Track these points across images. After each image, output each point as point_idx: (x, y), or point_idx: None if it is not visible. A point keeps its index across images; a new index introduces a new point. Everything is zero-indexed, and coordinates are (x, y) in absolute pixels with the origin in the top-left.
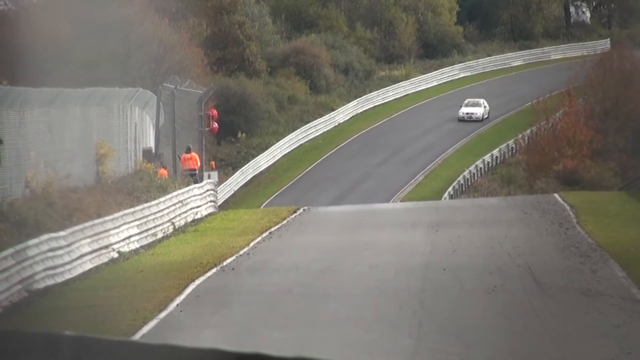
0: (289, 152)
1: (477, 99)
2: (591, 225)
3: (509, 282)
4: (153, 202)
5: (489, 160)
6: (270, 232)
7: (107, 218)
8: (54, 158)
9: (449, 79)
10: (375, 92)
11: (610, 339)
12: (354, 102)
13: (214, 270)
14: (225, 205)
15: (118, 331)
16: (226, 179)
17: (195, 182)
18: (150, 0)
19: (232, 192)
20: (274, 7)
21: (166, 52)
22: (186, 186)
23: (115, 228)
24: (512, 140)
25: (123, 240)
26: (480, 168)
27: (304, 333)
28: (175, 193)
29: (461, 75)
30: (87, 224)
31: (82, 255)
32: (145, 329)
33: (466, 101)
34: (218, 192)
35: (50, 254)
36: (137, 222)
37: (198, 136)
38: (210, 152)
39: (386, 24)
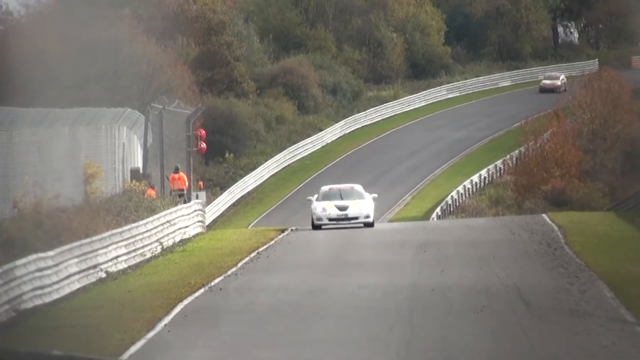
0: (276, 172)
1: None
2: (579, 246)
3: (497, 302)
4: (141, 222)
5: (477, 180)
6: (258, 252)
7: (95, 238)
8: (42, 178)
9: (437, 100)
10: (363, 112)
11: (599, 359)
12: (342, 123)
13: (202, 290)
14: (213, 225)
15: (106, 351)
16: (214, 199)
17: (184, 202)
18: (139, 20)
19: (220, 212)
20: (262, 28)
21: (154, 72)
22: (174, 206)
23: (103, 248)
24: (501, 160)
25: (111, 260)
26: (469, 188)
27: (293, 353)
28: (163, 213)
29: (449, 96)
30: (75, 244)
31: (70, 275)
32: (133, 349)
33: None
34: (206, 212)
35: (38, 274)
36: (125, 242)
37: (186, 156)
38: (198, 172)
39: (375, 44)
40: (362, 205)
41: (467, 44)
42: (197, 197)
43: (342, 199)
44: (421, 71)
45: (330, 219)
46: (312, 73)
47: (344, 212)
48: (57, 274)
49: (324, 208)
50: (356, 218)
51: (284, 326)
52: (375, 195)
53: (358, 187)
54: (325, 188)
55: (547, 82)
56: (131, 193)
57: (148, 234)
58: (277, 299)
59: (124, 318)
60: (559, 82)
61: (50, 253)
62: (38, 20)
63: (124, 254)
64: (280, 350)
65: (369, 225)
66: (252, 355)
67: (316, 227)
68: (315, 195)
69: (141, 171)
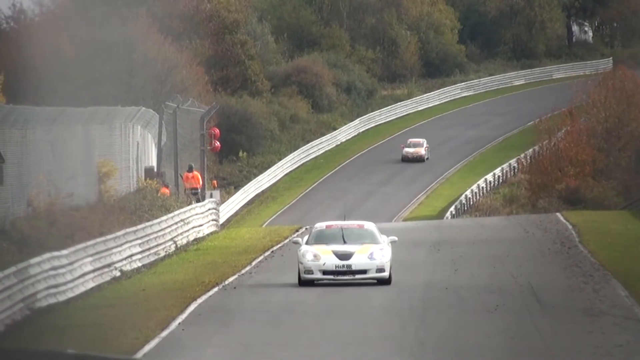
0: (290, 171)
1: (419, 139)
2: (594, 245)
3: (511, 301)
4: (155, 221)
5: (491, 179)
6: (272, 251)
7: (109, 236)
8: (56, 177)
9: (451, 98)
10: (378, 111)
11: (613, 358)
12: (356, 121)
13: (216, 289)
14: (227, 224)
15: (120, 350)
16: (228, 198)
17: (198, 200)
18: (154, 20)
19: (234, 211)
20: (276, 26)
21: (169, 71)
22: (188, 205)
23: (117, 247)
24: (515, 159)
25: (125, 258)
26: (483, 187)
27: (307, 352)
28: (177, 212)
29: (463, 95)
30: (89, 243)
31: (84, 274)
32: (147, 347)
33: (409, 141)
34: (220, 210)
35: (52, 272)
36: (139, 241)
37: (200, 155)
38: (212, 170)
39: (389, 43)
40: (375, 252)
41: (481, 42)
42: (211, 196)
43: (344, 242)
44: (435, 70)
45: (325, 272)
46: (326, 72)
47: (346, 263)
48: (71, 272)
49: (316, 255)
50: (364, 272)
51: (298, 325)
52: (395, 238)
53: (370, 226)
54: (320, 226)
55: (410, 150)
56: (145, 192)
57: (162, 232)
58: (291, 297)
59: (138, 317)
60: (422, 151)
61: (65, 252)
62: (52, 19)
63: (138, 253)
64: (294, 349)
65: (384, 282)
66: (266, 353)
67: (305, 282)
68: (306, 236)
69: (155, 170)
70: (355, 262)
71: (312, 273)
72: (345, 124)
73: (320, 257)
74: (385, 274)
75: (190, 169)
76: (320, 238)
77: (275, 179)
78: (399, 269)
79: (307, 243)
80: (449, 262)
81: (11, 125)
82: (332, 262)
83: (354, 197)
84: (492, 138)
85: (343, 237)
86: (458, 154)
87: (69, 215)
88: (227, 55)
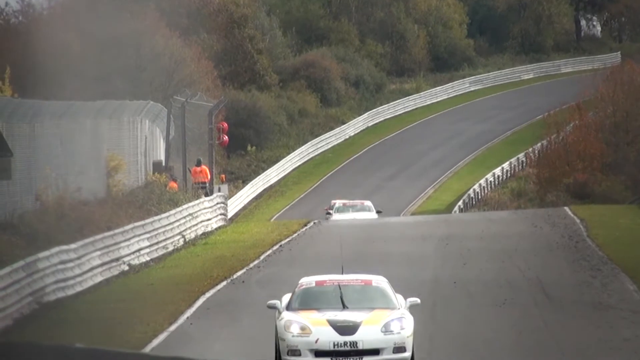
0: (299, 165)
1: (360, 202)
2: (602, 239)
3: (519, 295)
4: (163, 215)
5: (500, 173)
6: (280, 245)
7: (117, 231)
8: (65, 171)
9: (460, 93)
10: (386, 105)
11: (622, 352)
12: (365, 115)
13: (224, 283)
14: (236, 218)
15: (128, 344)
16: (236, 192)
17: (206, 194)
18: (162, 14)
19: (243, 205)
20: (284, 21)
21: (177, 65)
22: (196, 199)
23: (125, 241)
24: (523, 153)
25: (133, 253)
26: (491, 181)
27: None
28: (185, 206)
29: (472, 89)
30: (97, 237)
31: (92, 268)
32: (156, 341)
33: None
34: (228, 205)
35: (60, 266)
36: (148, 235)
37: (208, 149)
38: (221, 165)
39: (397, 37)
40: (391, 323)
41: (490, 36)
42: (219, 190)
43: (344, 306)
44: (444, 64)
45: (319, 354)
46: (335, 66)
47: (349, 339)
48: (79, 266)
49: (303, 328)
50: (376, 352)
51: None
52: (418, 300)
53: (380, 282)
54: (307, 282)
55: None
56: (153, 186)
57: (170, 226)
58: None
59: (147, 311)
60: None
61: (73, 246)
62: (60, 13)
63: (147, 247)
64: None
65: None
66: (274, 348)
67: None
68: (285, 297)
69: (163, 164)
70: (363, 338)
71: (299, 354)
72: (354, 118)
73: (311, 331)
74: (407, 355)
75: (198, 163)
76: (307, 300)
77: (283, 173)
78: (406, 263)
79: (289, 308)
80: (457, 256)
81: (19, 119)
82: (329, 338)
83: (362, 191)
84: (500, 132)
85: (342, 299)
86: (466, 148)
87: (78, 209)
88: (236, 49)
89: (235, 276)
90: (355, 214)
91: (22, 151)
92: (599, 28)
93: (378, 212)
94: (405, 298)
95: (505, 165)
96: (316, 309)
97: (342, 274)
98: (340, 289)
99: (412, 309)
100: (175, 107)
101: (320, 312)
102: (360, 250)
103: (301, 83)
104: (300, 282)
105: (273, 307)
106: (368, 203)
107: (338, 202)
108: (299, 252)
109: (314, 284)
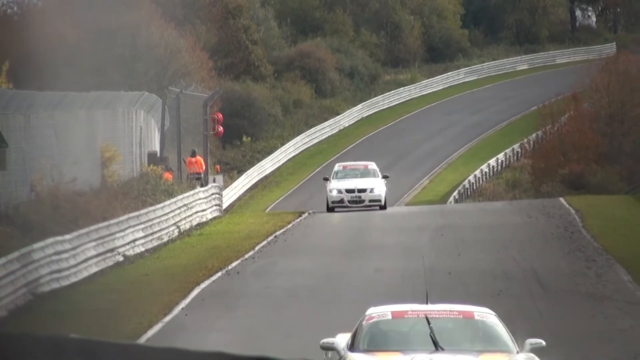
0: (294, 156)
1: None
2: (597, 229)
3: (514, 286)
4: (158, 206)
5: (494, 164)
6: (275, 236)
7: (112, 221)
8: (59, 162)
9: (455, 83)
10: (381, 96)
11: (616, 343)
12: (359, 106)
13: (219, 274)
14: (231, 209)
15: (123, 334)
16: (231, 183)
17: (201, 185)
18: (157, 5)
19: (237, 195)
20: (279, 11)
21: (172, 56)
22: (191, 190)
23: (120, 231)
24: (518, 144)
25: (128, 243)
26: (486, 172)
27: (310, 337)
28: (180, 197)
29: (467, 80)
30: (92, 228)
31: (87, 259)
32: (151, 332)
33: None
34: (223, 195)
35: (55, 257)
36: (143, 226)
37: (203, 140)
38: (215, 155)
39: (392, 28)
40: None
41: (485, 27)
42: (214, 181)
43: (436, 347)
44: (438, 55)
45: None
46: (330, 56)
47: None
48: (74, 257)
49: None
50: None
51: (301, 310)
52: (543, 342)
53: (485, 314)
54: (379, 313)
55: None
56: (148, 177)
57: (165, 217)
58: (294, 282)
59: (142, 301)
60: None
61: (68, 236)
62: (55, 4)
63: (141, 238)
64: (297, 334)
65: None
66: (269, 339)
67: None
68: (341, 336)
69: (158, 155)
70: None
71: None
72: (349, 108)
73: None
74: None
75: (193, 154)
76: (383, 339)
77: (278, 164)
78: (401, 254)
79: (353, 348)
80: (452, 247)
81: (14, 110)
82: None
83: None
84: (495, 123)
85: (433, 337)
86: (461, 139)
87: (72, 200)
88: (231, 40)
89: (230, 267)
90: (357, 181)
91: (17, 142)
92: (594, 18)
93: (384, 176)
94: (524, 338)
95: (500, 156)
96: (398, 351)
97: (428, 303)
98: (429, 322)
99: (537, 352)
100: (170, 98)
101: (405, 354)
102: (354, 240)
103: (296, 74)
104: (367, 312)
105: (330, 349)
106: (373, 166)
107: (337, 166)
108: (293, 242)
109: (389, 316)
